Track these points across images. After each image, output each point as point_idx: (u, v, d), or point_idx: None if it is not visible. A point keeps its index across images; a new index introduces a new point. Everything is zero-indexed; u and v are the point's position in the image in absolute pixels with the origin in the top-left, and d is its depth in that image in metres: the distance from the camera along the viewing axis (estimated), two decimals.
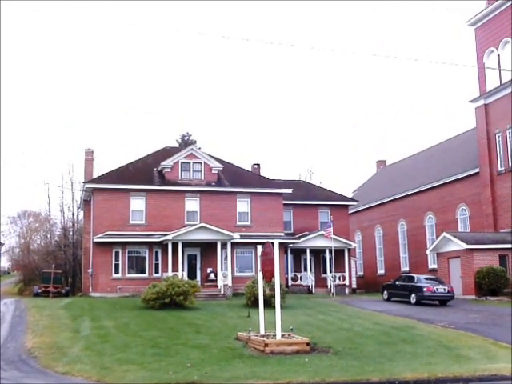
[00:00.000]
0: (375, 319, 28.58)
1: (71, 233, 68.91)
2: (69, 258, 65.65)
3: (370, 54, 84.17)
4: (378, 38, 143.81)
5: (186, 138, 71.50)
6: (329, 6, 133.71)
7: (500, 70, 45.31)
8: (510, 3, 44.71)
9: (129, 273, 42.86)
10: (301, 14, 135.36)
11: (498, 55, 46.26)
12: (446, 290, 35.82)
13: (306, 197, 52.13)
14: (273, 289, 22.61)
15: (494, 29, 46.57)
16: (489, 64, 46.78)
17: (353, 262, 53.55)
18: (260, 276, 21.91)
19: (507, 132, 44.64)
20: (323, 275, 49.05)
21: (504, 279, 39.16)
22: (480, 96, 47.37)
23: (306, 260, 48.94)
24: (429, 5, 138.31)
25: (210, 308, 32.05)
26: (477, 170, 47.34)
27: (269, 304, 24.51)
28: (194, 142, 66.49)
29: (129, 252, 43.17)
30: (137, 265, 43.29)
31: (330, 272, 47.34)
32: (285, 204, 47.80)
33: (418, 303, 35.40)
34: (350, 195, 64.92)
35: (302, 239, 48.02)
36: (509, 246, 41.06)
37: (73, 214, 69.19)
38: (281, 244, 32.51)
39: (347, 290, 47.89)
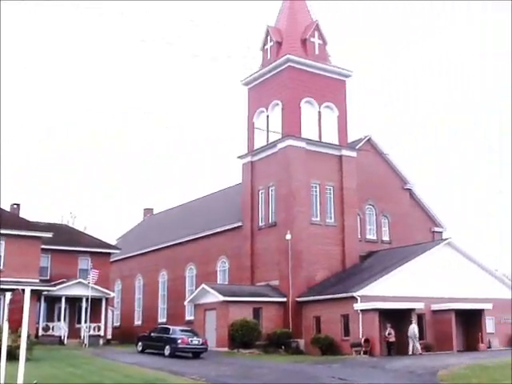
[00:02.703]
0: (126, 372, 27.59)
1: None
2: None
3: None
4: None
5: None
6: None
7: (268, 131, 47.58)
8: (280, 68, 47.51)
9: None
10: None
11: (268, 116, 48.59)
12: (200, 342, 35.83)
13: (66, 242, 50.02)
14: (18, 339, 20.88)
15: (266, 91, 48.98)
16: (258, 123, 48.98)
17: (110, 312, 52.12)
18: (5, 325, 20.16)
19: (270, 189, 46.78)
20: (78, 325, 46.96)
21: (256, 332, 40.30)
22: (248, 153, 49.27)
23: (60, 309, 46.51)
24: (205, 62, 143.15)
25: None
26: (239, 224, 48.81)
27: (13, 356, 22.58)
28: None
29: None
30: None
31: (85, 322, 45.53)
32: (44, 248, 45.28)
33: (172, 355, 34.94)
34: (114, 242, 63.71)
35: (59, 287, 45.70)
36: (263, 299, 42.51)
37: None
38: (34, 291, 30.54)
39: (101, 341, 46.34)
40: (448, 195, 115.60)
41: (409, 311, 38.74)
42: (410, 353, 37.41)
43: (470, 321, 41.96)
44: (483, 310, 41.70)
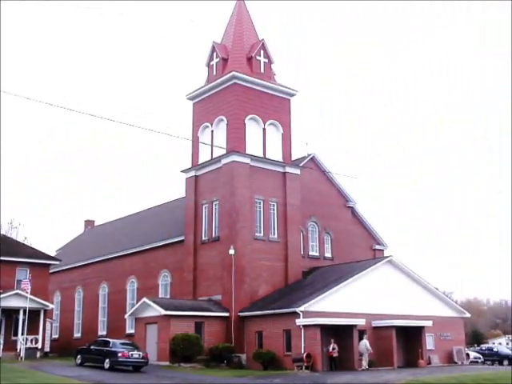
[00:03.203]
0: None
1: None
2: None
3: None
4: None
5: None
6: None
7: (212, 146, 47.43)
8: (226, 85, 47.50)
9: None
10: None
11: (212, 131, 48.41)
12: (141, 356, 35.42)
13: (4, 252, 48.55)
14: None
15: (211, 106, 48.78)
16: (203, 138, 48.78)
17: (48, 324, 50.87)
18: None
19: (213, 204, 46.59)
20: (14, 338, 45.54)
21: (198, 346, 39.86)
22: (192, 167, 48.97)
23: None
24: (151, 75, 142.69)
25: None
26: (182, 238, 48.41)
27: None
28: None
29: None
30: None
31: (22, 334, 44.28)
32: None
33: (111, 368, 34.41)
34: (54, 253, 62.45)
35: None
36: (205, 313, 42.16)
37: None
38: None
39: (39, 354, 45.10)
40: (391, 215, 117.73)
41: (350, 327, 39.02)
42: (366, 367, 38.15)
43: (410, 337, 42.56)
44: (423, 327, 42.39)
